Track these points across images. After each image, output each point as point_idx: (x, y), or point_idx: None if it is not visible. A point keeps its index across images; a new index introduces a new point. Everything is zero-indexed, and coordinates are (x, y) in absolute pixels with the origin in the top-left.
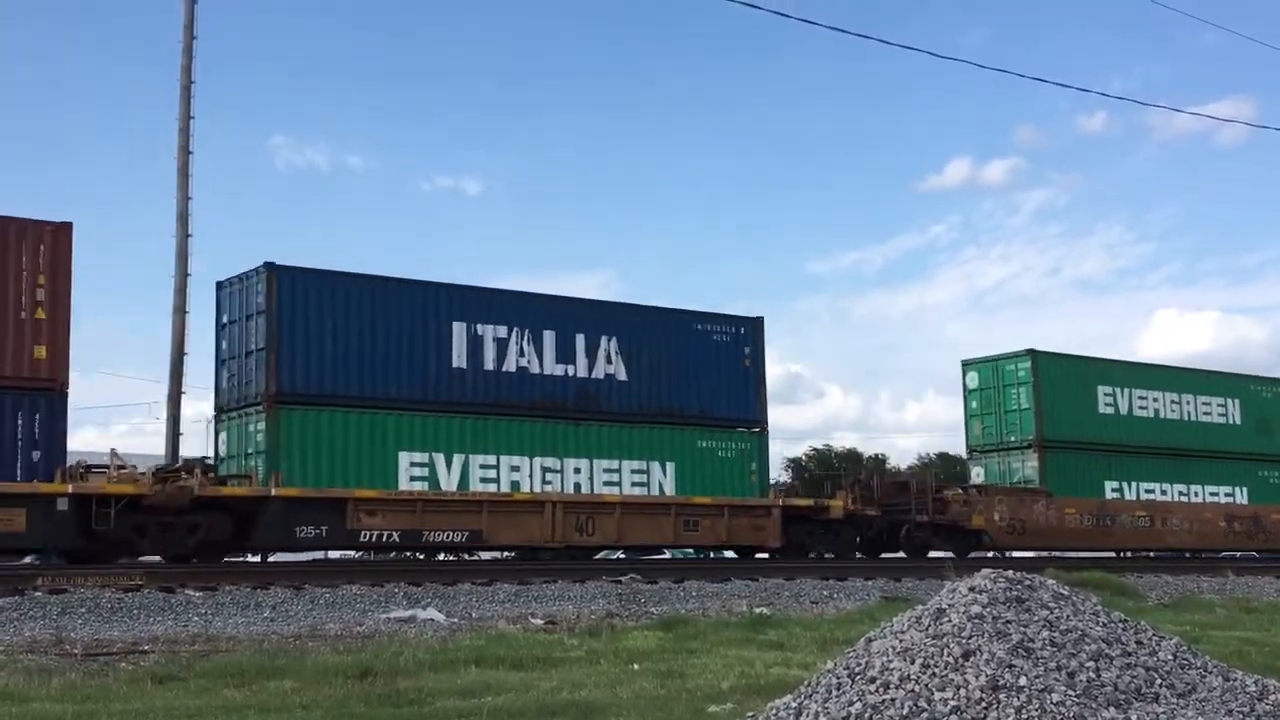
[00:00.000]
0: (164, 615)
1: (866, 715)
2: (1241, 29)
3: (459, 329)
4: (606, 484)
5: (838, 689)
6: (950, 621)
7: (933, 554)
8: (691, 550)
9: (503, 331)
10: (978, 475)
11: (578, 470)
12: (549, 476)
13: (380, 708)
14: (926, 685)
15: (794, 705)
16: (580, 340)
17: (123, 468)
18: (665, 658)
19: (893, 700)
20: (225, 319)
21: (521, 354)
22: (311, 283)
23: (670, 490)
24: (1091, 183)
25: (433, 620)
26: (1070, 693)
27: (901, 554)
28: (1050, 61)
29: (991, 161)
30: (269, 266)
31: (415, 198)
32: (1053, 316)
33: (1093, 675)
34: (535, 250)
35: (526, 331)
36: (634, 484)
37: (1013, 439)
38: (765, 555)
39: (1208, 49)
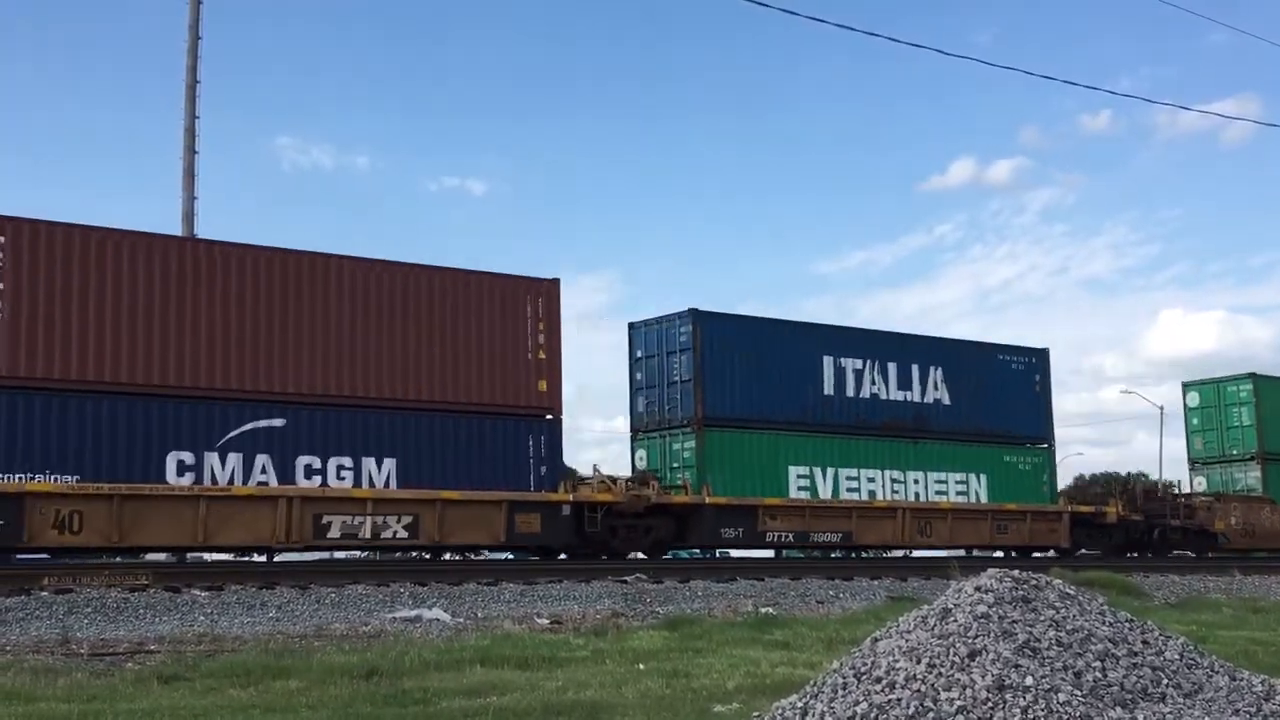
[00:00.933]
0: (170, 615)
1: (872, 715)
2: (1249, 28)
3: (828, 362)
4: (937, 493)
5: (844, 689)
6: (956, 621)
7: (1175, 552)
8: (1000, 551)
9: (859, 364)
10: (1199, 484)
11: (916, 481)
12: (895, 487)
13: (386, 707)
14: (932, 685)
15: (800, 705)
16: (915, 370)
17: (603, 480)
18: (671, 657)
19: (898, 700)
20: (640, 354)
21: (873, 382)
22: (725, 324)
23: (984, 499)
24: (1097, 183)
25: (438, 620)
26: (1076, 693)
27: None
28: (1058, 61)
29: (996, 162)
30: (694, 313)
31: (421, 198)
32: (1059, 316)
33: (1099, 675)
34: (540, 250)
35: (876, 363)
36: (957, 493)
37: (1234, 452)
38: (1053, 553)
39: (1215, 48)
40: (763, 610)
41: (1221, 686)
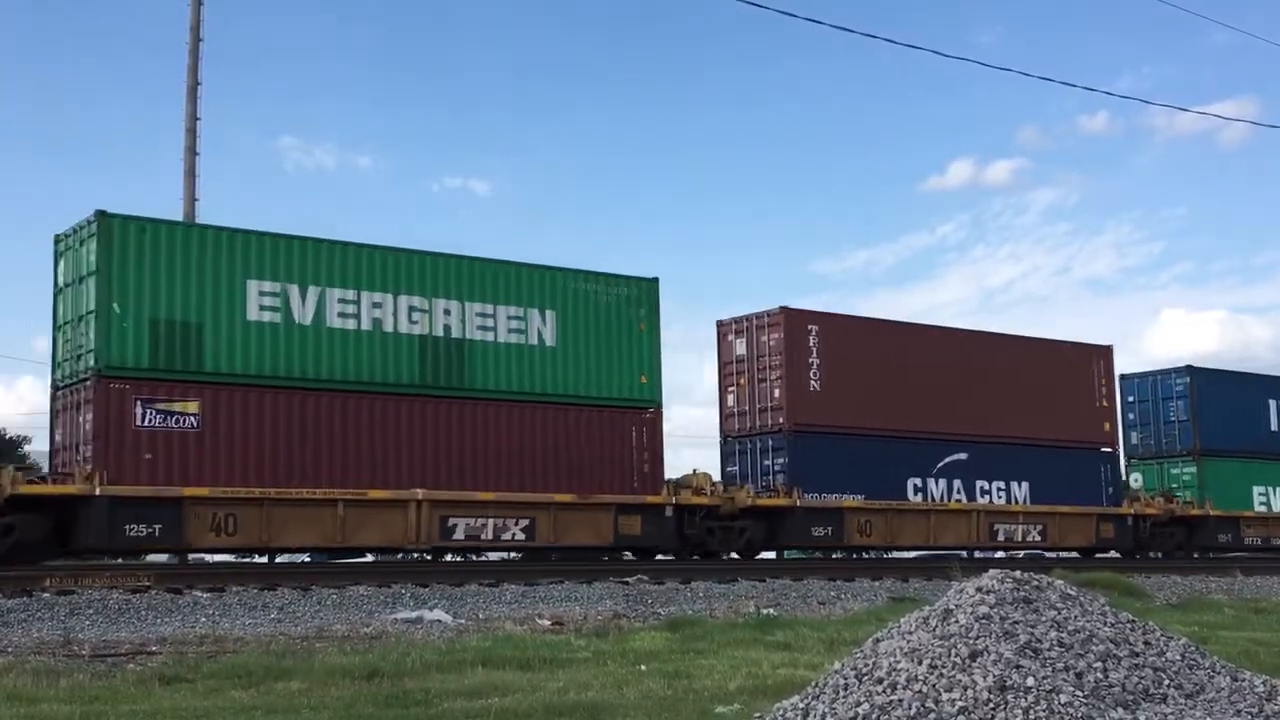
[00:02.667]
0: (171, 616)
1: (874, 716)
2: (1249, 28)
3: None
4: None
5: (845, 690)
6: (958, 622)
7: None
8: None
9: None
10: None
11: None
12: None
13: (387, 708)
14: (934, 686)
15: (801, 706)
16: None
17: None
18: (672, 658)
19: (900, 701)
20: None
21: None
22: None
23: None
24: (1096, 183)
25: (440, 621)
26: (1078, 693)
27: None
28: (1061, 61)
29: (995, 162)
30: (1192, 369)
31: (424, 198)
32: (1062, 316)
33: (1100, 676)
34: (544, 250)
35: None
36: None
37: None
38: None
39: (1215, 48)
40: (764, 611)
41: (1223, 687)
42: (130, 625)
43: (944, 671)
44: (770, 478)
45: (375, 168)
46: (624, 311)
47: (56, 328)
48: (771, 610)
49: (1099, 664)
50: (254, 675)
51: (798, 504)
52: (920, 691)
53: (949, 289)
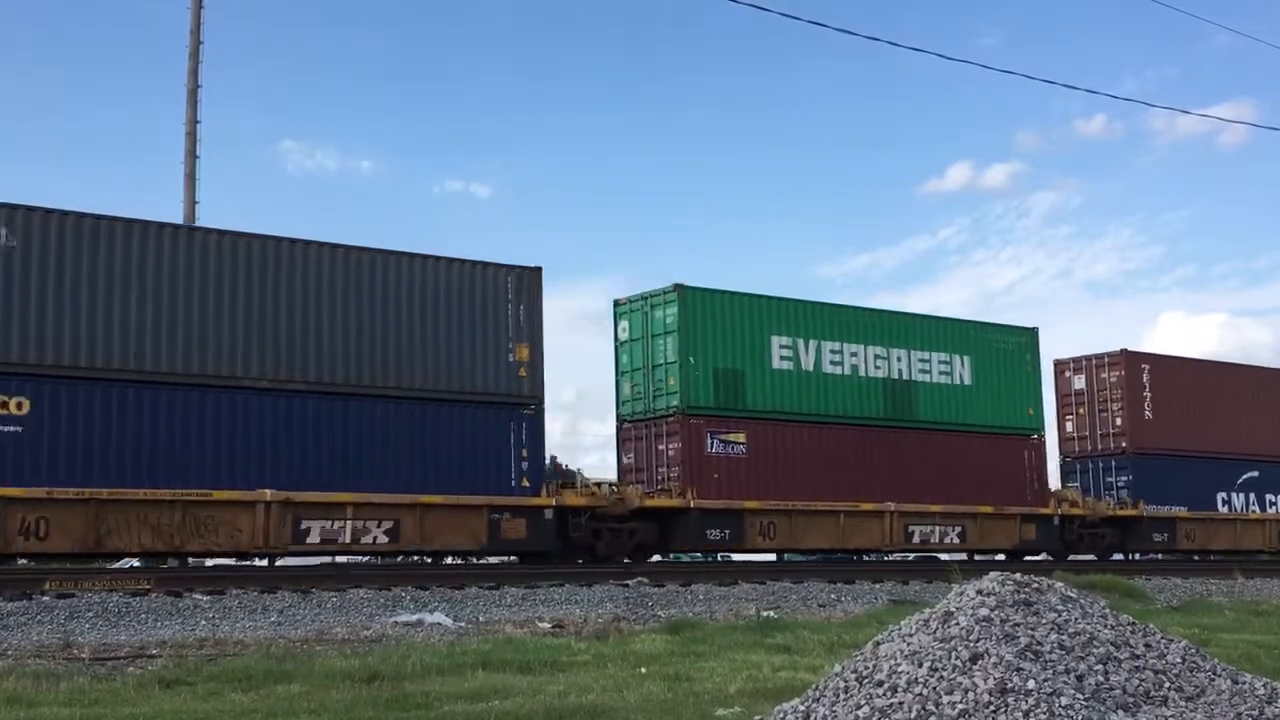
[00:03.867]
0: (171, 619)
1: (874, 719)
2: (1252, 31)
3: None
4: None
5: (845, 692)
6: (958, 625)
7: None
8: None
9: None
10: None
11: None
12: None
13: (388, 711)
14: (934, 689)
15: (802, 709)
16: None
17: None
18: (673, 661)
19: (900, 704)
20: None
21: None
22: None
23: None
24: (1095, 187)
25: (440, 624)
26: (1079, 696)
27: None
28: (1062, 65)
29: (993, 165)
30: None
31: (425, 201)
32: (1063, 319)
33: (1101, 678)
34: (546, 254)
35: None
36: None
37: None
38: None
39: (1216, 52)
40: (764, 614)
41: (1224, 690)
42: (130, 628)
43: (945, 674)
44: (1114, 493)
45: (376, 170)
46: (1015, 355)
47: (620, 374)
48: (772, 613)
49: (1100, 666)
50: (254, 678)
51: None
52: (921, 694)
53: (950, 292)
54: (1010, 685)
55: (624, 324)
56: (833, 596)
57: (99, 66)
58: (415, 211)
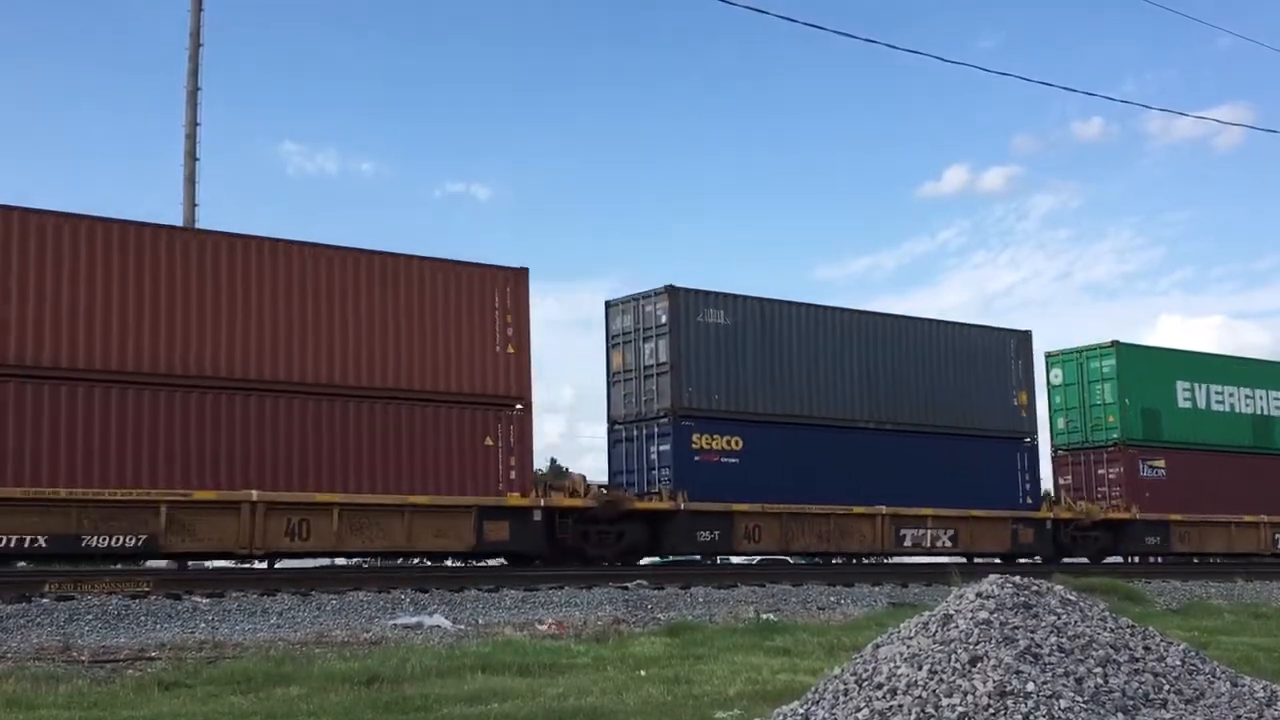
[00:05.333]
0: (171, 622)
1: None
2: (1252, 33)
3: None
4: None
5: (845, 695)
6: (958, 627)
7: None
8: None
9: None
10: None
11: None
12: None
13: (387, 714)
14: (934, 691)
15: (801, 711)
16: None
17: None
18: (672, 664)
19: (900, 706)
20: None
21: None
22: None
23: None
24: (1093, 189)
25: (439, 626)
26: (1078, 699)
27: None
28: (1061, 67)
29: (990, 169)
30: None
31: (426, 204)
32: (1062, 321)
33: (1100, 681)
34: (546, 256)
35: None
36: None
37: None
38: None
39: (1218, 54)
40: (764, 616)
41: (1223, 692)
42: (129, 631)
43: (944, 677)
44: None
45: (377, 173)
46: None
47: (1054, 410)
48: (771, 615)
49: (1099, 669)
50: (253, 681)
51: (681, 507)
52: (920, 697)
53: (951, 294)
54: (1009, 688)
55: (1057, 370)
56: (832, 599)
57: (99, 66)
58: (416, 213)
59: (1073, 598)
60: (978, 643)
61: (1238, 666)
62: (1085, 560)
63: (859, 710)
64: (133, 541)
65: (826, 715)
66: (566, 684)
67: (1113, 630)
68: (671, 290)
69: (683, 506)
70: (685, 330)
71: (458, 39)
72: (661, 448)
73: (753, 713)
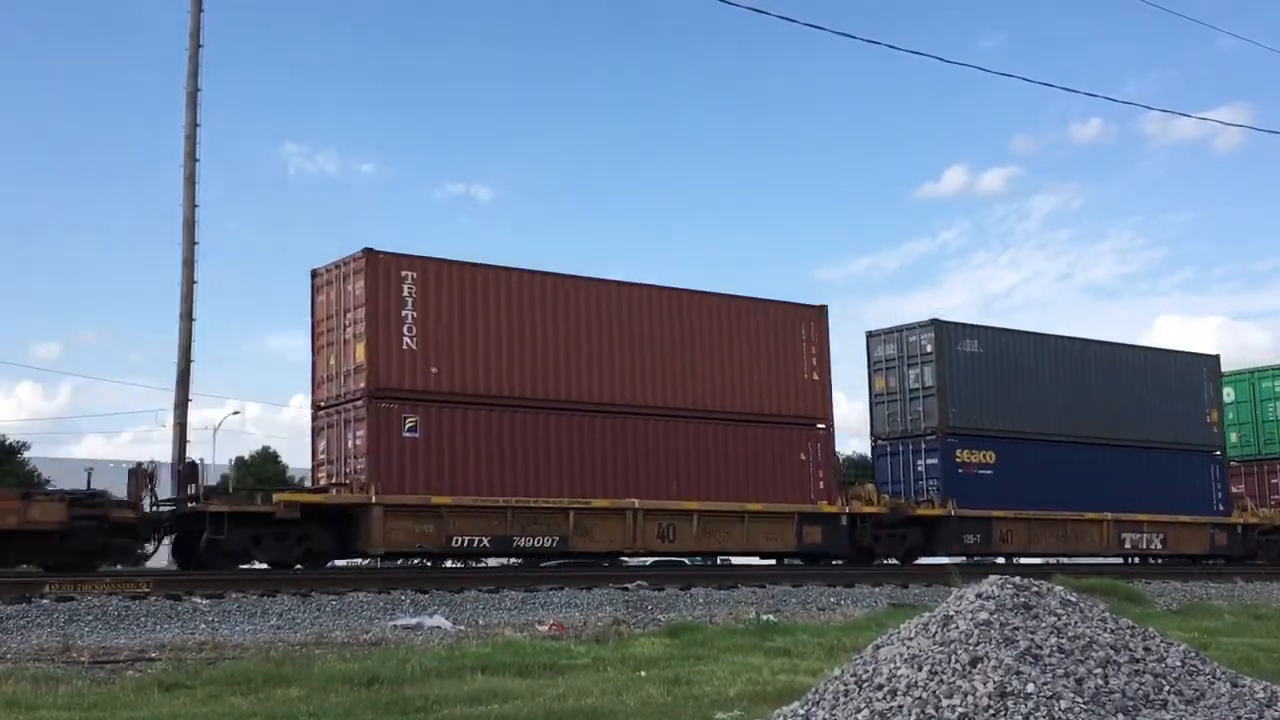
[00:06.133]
0: (171, 623)
1: None
2: (1253, 35)
3: None
4: None
5: (845, 696)
6: (958, 628)
7: None
8: None
9: None
10: None
11: None
12: None
13: (387, 715)
14: (934, 692)
15: (801, 712)
16: None
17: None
18: (672, 665)
19: (900, 707)
20: None
21: None
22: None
23: None
24: (1092, 190)
25: (439, 627)
26: (1078, 700)
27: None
28: (1063, 68)
29: (988, 170)
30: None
31: (427, 204)
32: (1063, 322)
33: (1101, 682)
34: (546, 256)
35: None
36: None
37: None
38: None
39: (1217, 55)
40: (764, 617)
41: (1223, 693)
42: (129, 632)
43: (944, 678)
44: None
45: (378, 173)
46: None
47: (1227, 425)
48: (771, 616)
49: (1099, 670)
50: (253, 682)
51: (952, 513)
52: (920, 698)
53: (951, 295)
54: (1010, 689)
55: (1229, 389)
56: (832, 600)
57: (97, 64)
58: (417, 214)
59: (1073, 598)
60: (978, 644)
61: (1238, 667)
62: (1262, 562)
63: (859, 711)
64: (549, 542)
65: (827, 716)
66: (566, 685)
67: (1113, 631)
68: (937, 323)
69: (953, 513)
70: (948, 358)
71: (458, 40)
72: (929, 461)
73: (753, 713)
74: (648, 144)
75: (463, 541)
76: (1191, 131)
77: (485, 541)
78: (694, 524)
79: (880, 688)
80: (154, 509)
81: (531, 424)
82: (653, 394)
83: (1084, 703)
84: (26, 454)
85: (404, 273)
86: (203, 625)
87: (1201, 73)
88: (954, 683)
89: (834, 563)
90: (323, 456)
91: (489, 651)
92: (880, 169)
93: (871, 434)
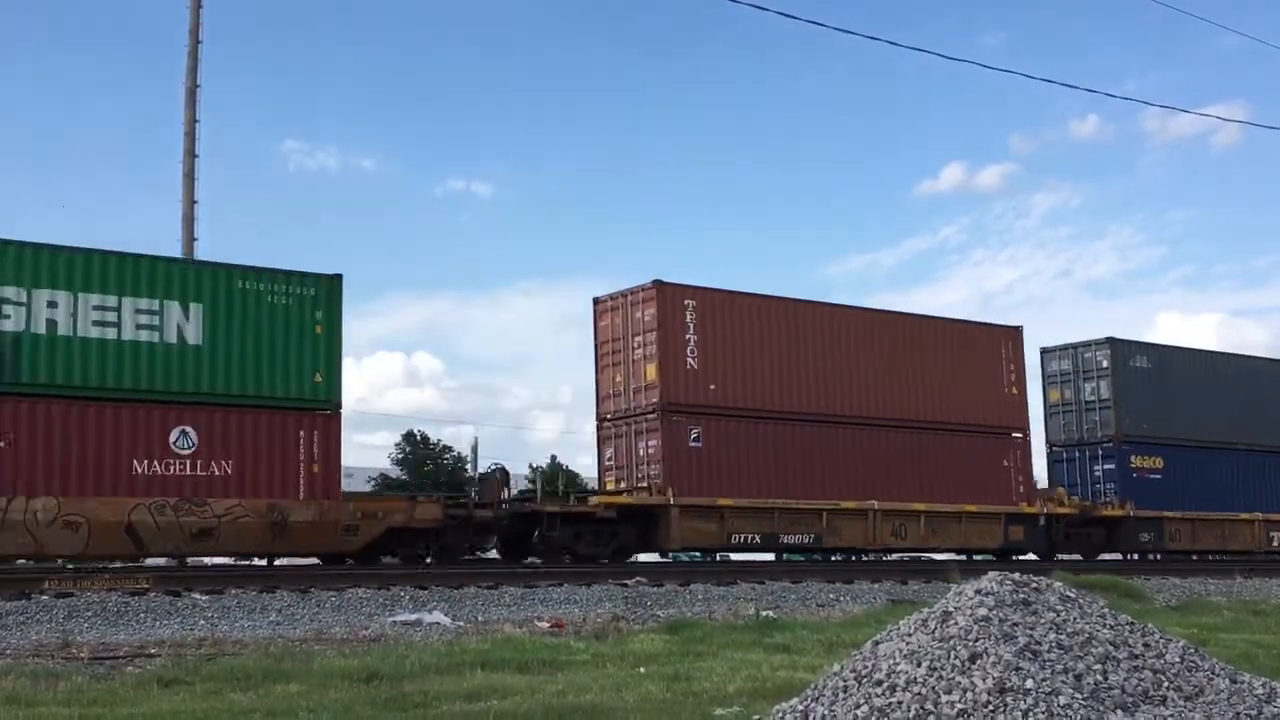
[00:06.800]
0: (170, 619)
1: (873, 718)
2: (1250, 32)
3: None
4: None
5: (844, 692)
6: (957, 624)
7: None
8: None
9: None
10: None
11: None
12: None
13: (386, 711)
14: (933, 688)
15: (801, 708)
16: None
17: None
18: (672, 661)
19: (899, 703)
20: None
21: None
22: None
23: None
24: (1090, 188)
25: (438, 623)
26: (1077, 695)
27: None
28: (1064, 65)
29: (986, 167)
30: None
31: (427, 201)
32: (1062, 319)
33: (1100, 678)
34: (546, 253)
35: None
36: None
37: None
38: None
39: (1216, 53)
40: (764, 613)
41: (1222, 689)
42: (129, 628)
43: (943, 674)
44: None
45: (379, 170)
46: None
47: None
48: (771, 612)
49: (1098, 666)
50: (253, 678)
51: (1130, 514)
52: (919, 694)
53: (951, 291)
54: (1009, 685)
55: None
56: (831, 596)
57: (97, 61)
58: (417, 210)
59: (1072, 595)
60: (977, 640)
61: (1237, 663)
62: None
63: (858, 707)
64: (806, 539)
65: (826, 712)
66: (566, 681)
67: (1112, 627)
68: (1112, 341)
69: (1131, 514)
70: (1122, 373)
71: (459, 37)
72: (1106, 466)
73: (752, 710)
74: (647, 141)
75: (740, 538)
76: (1190, 129)
77: (756, 538)
78: (921, 524)
79: (880, 684)
80: (504, 508)
81: (790, 434)
82: (885, 406)
83: (1083, 699)
84: None
85: (686, 301)
86: (202, 621)
87: (1201, 71)
88: (953, 679)
89: (1029, 557)
90: (610, 463)
91: (488, 648)
92: (878, 166)
93: (1047, 441)
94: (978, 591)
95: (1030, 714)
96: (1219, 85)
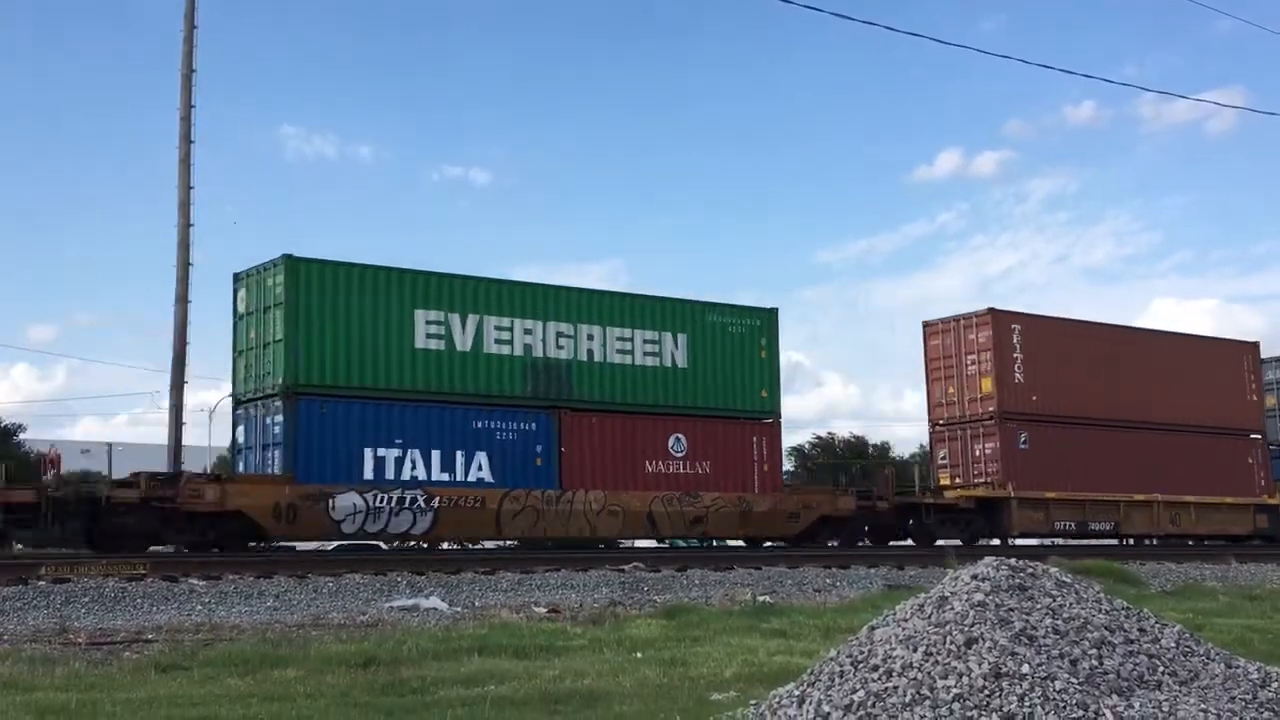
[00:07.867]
0: (167, 604)
1: (869, 703)
2: (1247, 16)
3: None
4: None
5: (841, 677)
6: (953, 609)
7: None
8: None
9: None
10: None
11: None
12: None
13: (383, 696)
14: (929, 673)
15: (797, 693)
16: None
17: None
18: (668, 646)
19: (895, 688)
20: None
21: None
22: None
23: None
24: (1086, 174)
25: (436, 609)
26: (1073, 680)
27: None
28: (1063, 50)
29: (982, 153)
30: None
31: (424, 187)
32: (1060, 304)
33: (1095, 663)
34: (544, 240)
35: None
36: None
37: None
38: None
39: (1215, 38)
40: (760, 599)
41: (1217, 674)
42: (126, 613)
43: (939, 658)
44: None
45: (376, 156)
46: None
47: None
48: (767, 598)
49: (1094, 651)
50: (250, 663)
51: None
52: (916, 678)
53: (949, 277)
54: (1004, 669)
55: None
56: (828, 581)
57: (94, 47)
58: (414, 197)
59: (1068, 580)
60: (973, 624)
61: (1232, 648)
62: None
63: (855, 692)
64: (1106, 526)
65: (822, 697)
66: (563, 666)
67: (1107, 612)
68: None
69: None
70: None
71: (457, 22)
72: None
73: (749, 695)
74: (643, 128)
75: (1060, 526)
76: (1187, 114)
77: (1071, 525)
78: (1192, 513)
79: (876, 668)
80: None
81: (1093, 437)
82: (1161, 412)
83: (1079, 683)
84: (22, 436)
85: (1013, 325)
86: (199, 607)
87: (1198, 57)
88: (949, 663)
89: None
90: (943, 461)
91: (485, 633)
92: (875, 151)
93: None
94: (974, 577)
95: (1026, 698)
96: (1216, 71)
